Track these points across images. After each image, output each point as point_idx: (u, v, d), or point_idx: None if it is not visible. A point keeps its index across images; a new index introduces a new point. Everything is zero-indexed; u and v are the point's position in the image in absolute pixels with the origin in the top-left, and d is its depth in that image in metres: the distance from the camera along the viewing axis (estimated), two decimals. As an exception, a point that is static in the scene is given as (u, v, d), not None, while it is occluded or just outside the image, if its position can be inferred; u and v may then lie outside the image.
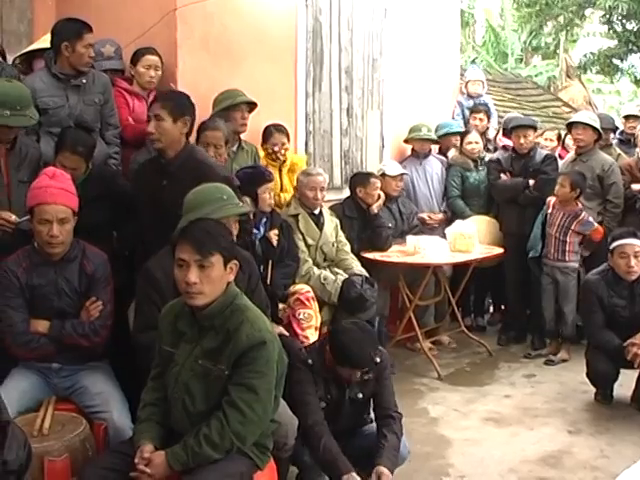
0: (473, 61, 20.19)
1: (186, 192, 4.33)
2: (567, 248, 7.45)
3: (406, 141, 8.57)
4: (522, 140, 7.92)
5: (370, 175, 7.44)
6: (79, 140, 5.04)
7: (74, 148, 4.99)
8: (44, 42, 5.99)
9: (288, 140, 6.83)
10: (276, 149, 6.69)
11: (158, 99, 4.99)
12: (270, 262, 5.85)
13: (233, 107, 6.23)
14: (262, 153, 6.71)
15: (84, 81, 5.57)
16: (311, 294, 6.02)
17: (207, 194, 4.34)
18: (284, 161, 6.81)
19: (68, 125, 5.24)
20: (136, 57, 6.22)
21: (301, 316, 5.84)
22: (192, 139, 5.63)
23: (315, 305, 5.99)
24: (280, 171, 6.80)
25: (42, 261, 4.34)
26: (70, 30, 5.47)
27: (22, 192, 4.71)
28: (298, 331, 5.78)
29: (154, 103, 4.94)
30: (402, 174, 7.84)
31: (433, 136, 8.53)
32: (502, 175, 8.09)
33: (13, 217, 4.75)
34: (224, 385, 3.50)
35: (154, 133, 4.80)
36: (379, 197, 7.29)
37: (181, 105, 4.89)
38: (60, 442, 3.84)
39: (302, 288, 6.04)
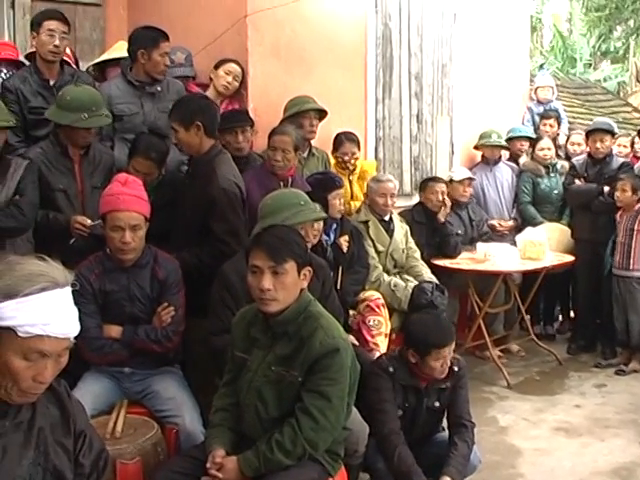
0: (541, 66, 19.92)
1: (195, 195, 4.51)
2: (632, 254, 7.30)
3: (476, 147, 8.51)
4: (598, 145, 7.78)
5: (430, 179, 7.44)
6: (152, 146, 5.12)
7: (147, 153, 5.07)
8: (117, 51, 6.09)
9: (359, 149, 6.83)
10: (346, 158, 6.70)
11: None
12: (340, 268, 5.84)
13: (302, 114, 6.26)
14: (333, 161, 6.72)
15: (159, 89, 5.65)
16: (381, 301, 5.98)
17: (284, 199, 4.37)
18: (354, 170, 6.82)
19: (142, 131, 5.31)
20: (220, 62, 6.33)
21: (371, 323, 5.81)
22: (261, 143, 5.71)
23: (385, 312, 5.95)
24: (350, 179, 6.80)
25: (114, 267, 4.37)
26: (147, 38, 5.55)
27: (95, 198, 4.77)
28: (368, 338, 5.75)
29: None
30: (469, 179, 7.78)
31: (503, 142, 8.46)
32: (576, 180, 7.97)
33: (88, 222, 4.82)
34: (297, 392, 3.48)
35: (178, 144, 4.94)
36: (444, 204, 7.23)
37: (188, 112, 4.91)
38: (132, 445, 3.85)
39: (372, 295, 6.00)
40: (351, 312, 5.81)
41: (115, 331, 4.33)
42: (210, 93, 6.30)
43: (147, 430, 4.02)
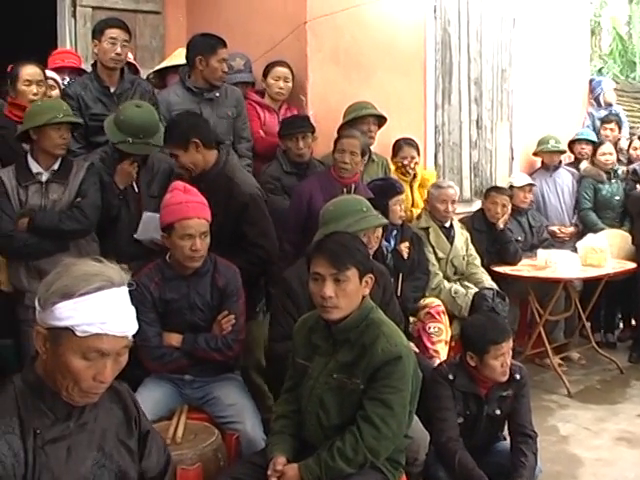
0: (599, 70, 19.71)
1: (215, 207, 4.45)
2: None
3: (535, 154, 8.42)
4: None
5: (494, 189, 7.36)
6: None
7: None
8: (177, 58, 6.14)
9: (418, 154, 6.81)
10: (405, 162, 6.68)
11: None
12: (401, 275, 5.81)
13: (360, 119, 6.26)
14: (392, 167, 6.71)
15: (217, 95, 5.71)
16: (442, 308, 5.94)
17: (347, 206, 4.37)
18: (414, 176, 6.81)
19: None
20: (267, 70, 6.35)
21: (431, 330, 5.77)
22: (321, 149, 5.69)
23: (445, 319, 5.91)
24: (411, 186, 6.80)
25: (175, 275, 4.37)
26: (205, 45, 5.61)
27: (152, 207, 4.83)
28: (428, 345, 5.72)
29: None
30: (530, 185, 7.70)
31: (561, 147, 8.37)
32: (638, 186, 7.85)
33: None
34: (358, 399, 3.45)
35: (182, 169, 4.96)
36: (503, 212, 7.17)
37: (181, 133, 4.89)
38: (193, 451, 3.85)
39: (433, 302, 5.97)
40: (411, 319, 5.79)
41: (175, 339, 4.33)
42: (267, 100, 6.35)
43: (208, 436, 4.01)
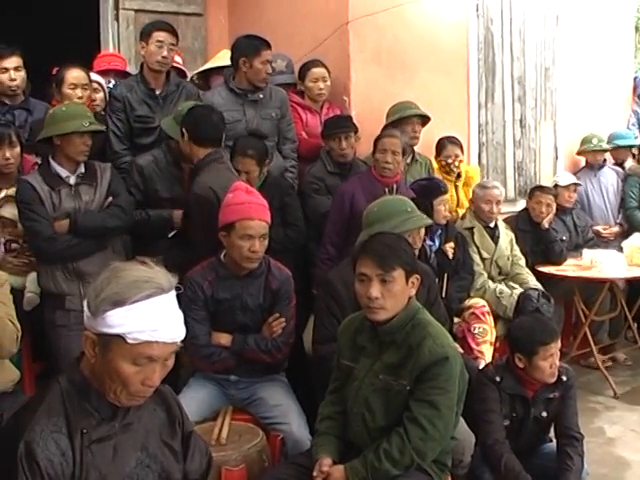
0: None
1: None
2: None
3: (579, 153, 8.34)
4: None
5: (538, 188, 7.30)
6: (249, 144, 5.18)
7: (244, 151, 5.13)
8: (221, 60, 6.17)
9: (462, 152, 6.78)
10: (449, 161, 6.66)
11: None
12: (445, 275, 5.79)
13: (405, 120, 6.23)
14: (436, 166, 6.69)
15: (261, 96, 5.72)
16: (486, 309, 5.90)
17: (392, 207, 4.37)
18: (459, 175, 6.78)
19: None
20: (302, 72, 6.35)
21: (476, 331, 5.73)
22: (364, 150, 5.69)
23: (490, 320, 5.87)
24: (456, 186, 6.78)
25: (228, 275, 4.38)
26: (248, 46, 5.63)
27: None
28: (473, 346, 5.67)
29: None
30: (574, 184, 7.63)
31: (605, 146, 8.28)
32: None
33: None
34: (405, 400, 3.43)
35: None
36: (548, 212, 7.11)
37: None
38: (237, 452, 3.85)
39: (477, 302, 5.93)
40: (456, 320, 5.75)
41: (225, 339, 4.34)
42: (308, 101, 6.35)
43: (252, 437, 4.02)
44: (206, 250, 4.53)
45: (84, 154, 4.71)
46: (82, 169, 4.75)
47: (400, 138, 5.55)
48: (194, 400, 4.15)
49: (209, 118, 4.99)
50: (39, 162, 5.25)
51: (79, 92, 5.34)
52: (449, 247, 5.89)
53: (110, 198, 4.77)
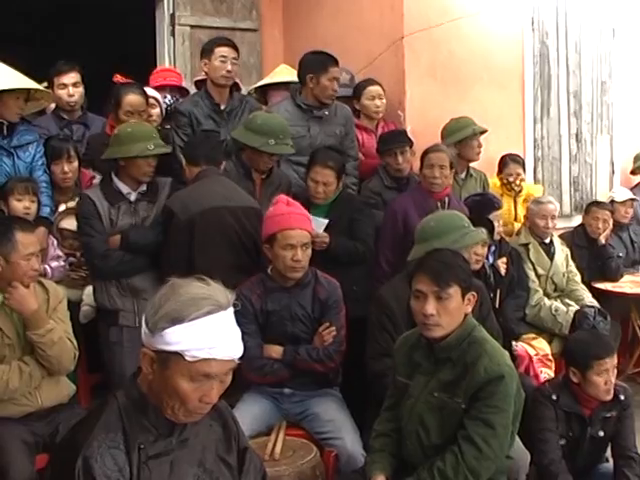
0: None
1: None
2: None
3: (633, 172, 8.21)
4: None
5: (594, 204, 7.22)
6: (330, 155, 5.18)
7: (325, 162, 5.11)
8: (279, 75, 6.20)
9: (524, 170, 6.78)
10: (511, 179, 6.64)
11: None
12: (499, 291, 5.73)
13: (470, 136, 6.20)
14: (497, 182, 6.67)
15: (326, 112, 5.74)
16: (550, 356, 5.78)
17: (449, 222, 4.37)
18: (519, 191, 6.71)
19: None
20: (358, 90, 6.35)
21: (543, 374, 5.60)
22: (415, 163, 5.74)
23: (553, 365, 5.75)
24: (515, 201, 6.74)
25: (276, 287, 4.40)
26: (316, 63, 5.66)
27: None
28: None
29: None
30: (631, 199, 7.53)
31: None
32: None
33: None
34: (460, 419, 3.40)
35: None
36: (605, 227, 7.02)
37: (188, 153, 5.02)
38: (291, 468, 3.84)
39: (543, 348, 5.78)
40: (514, 343, 5.63)
41: (276, 351, 4.36)
42: (363, 120, 6.35)
43: (306, 453, 3.99)
44: (165, 269, 4.57)
45: (148, 175, 4.76)
46: (144, 187, 4.79)
47: (447, 152, 5.53)
48: (248, 415, 4.15)
49: (203, 140, 5.16)
50: (96, 176, 5.30)
51: (135, 119, 5.28)
52: (501, 263, 5.83)
53: None
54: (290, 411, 4.42)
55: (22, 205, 4.83)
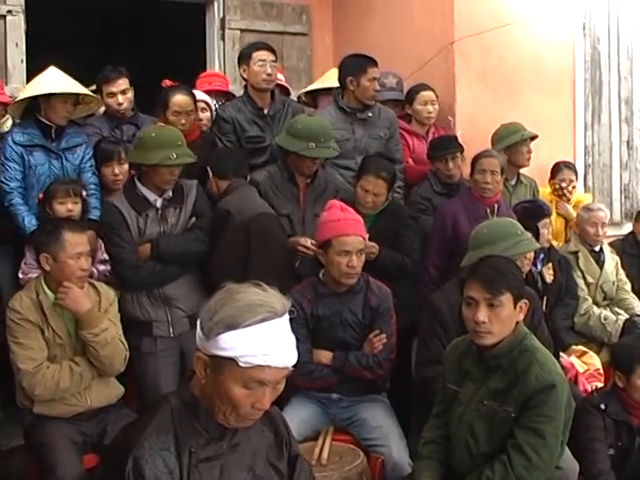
0: None
1: None
2: None
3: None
4: None
5: None
6: (382, 165, 5.12)
7: (378, 172, 5.05)
8: (330, 80, 6.18)
9: (576, 178, 6.73)
10: (564, 185, 6.59)
11: None
12: (545, 298, 5.68)
13: (520, 142, 6.15)
14: (548, 189, 6.62)
15: (370, 115, 5.72)
16: (601, 370, 5.68)
17: (502, 229, 4.36)
18: (570, 198, 6.65)
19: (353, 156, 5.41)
20: (410, 95, 6.33)
21: (593, 387, 5.55)
22: (465, 169, 5.71)
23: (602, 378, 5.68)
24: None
25: (328, 292, 4.41)
26: (355, 65, 5.64)
27: (315, 225, 4.80)
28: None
29: None
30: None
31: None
32: None
33: (309, 242, 4.88)
34: (509, 427, 3.38)
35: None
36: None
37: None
38: (338, 473, 3.84)
39: (593, 362, 5.62)
40: (562, 354, 5.56)
41: (325, 357, 4.37)
42: (415, 125, 6.34)
43: (353, 458, 3.99)
44: (217, 270, 4.60)
45: (170, 183, 4.64)
46: (169, 192, 4.68)
47: (498, 157, 5.51)
48: (296, 419, 4.12)
49: (229, 155, 5.17)
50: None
51: (182, 119, 5.29)
52: (547, 270, 5.78)
53: (193, 219, 4.73)
54: (337, 416, 4.43)
55: (65, 208, 4.77)
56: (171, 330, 4.61)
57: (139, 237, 4.59)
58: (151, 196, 4.64)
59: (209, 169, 5.05)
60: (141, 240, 4.59)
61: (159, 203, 4.65)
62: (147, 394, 4.60)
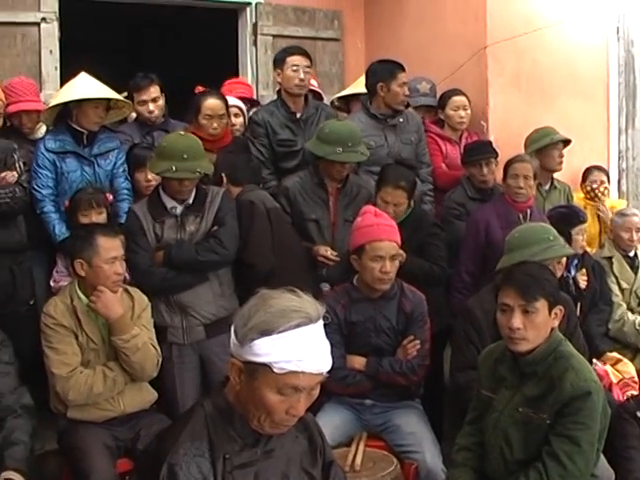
0: None
1: None
2: None
3: None
4: None
5: None
6: (401, 175, 5.08)
7: (396, 182, 5.02)
8: (361, 86, 6.16)
9: (608, 180, 6.69)
10: (595, 186, 6.54)
11: None
12: (579, 304, 5.64)
13: (551, 146, 6.11)
14: (581, 194, 6.57)
15: (401, 120, 5.72)
16: (636, 377, 5.63)
17: (533, 233, 4.35)
18: (603, 201, 6.59)
19: (388, 162, 5.36)
20: (443, 100, 6.33)
21: (627, 396, 5.50)
22: (498, 174, 5.69)
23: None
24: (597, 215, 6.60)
25: (362, 298, 4.41)
26: (384, 71, 5.65)
27: (346, 231, 4.83)
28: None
29: None
30: None
31: None
32: None
33: (329, 252, 4.91)
34: (544, 434, 3.36)
35: None
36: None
37: (217, 168, 4.94)
38: (371, 479, 3.83)
39: (628, 371, 5.59)
40: (595, 362, 5.50)
41: (359, 362, 4.36)
42: (447, 131, 6.33)
43: (386, 465, 3.98)
44: (257, 260, 4.67)
45: (184, 193, 4.59)
46: (190, 199, 4.63)
47: (531, 162, 5.49)
48: (329, 425, 4.10)
49: (246, 165, 5.17)
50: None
51: (214, 123, 5.31)
52: (581, 276, 5.74)
53: (215, 227, 4.67)
54: (371, 422, 4.42)
55: (88, 220, 4.76)
56: (185, 337, 4.58)
57: (156, 243, 4.59)
58: (170, 203, 4.61)
59: (224, 175, 5.04)
60: (158, 246, 4.59)
61: (179, 210, 4.62)
62: (165, 400, 4.58)
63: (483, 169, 5.68)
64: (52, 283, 4.88)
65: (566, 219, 5.52)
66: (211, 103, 5.36)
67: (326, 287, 4.88)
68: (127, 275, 4.61)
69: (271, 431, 2.44)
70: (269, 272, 4.67)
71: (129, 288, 4.34)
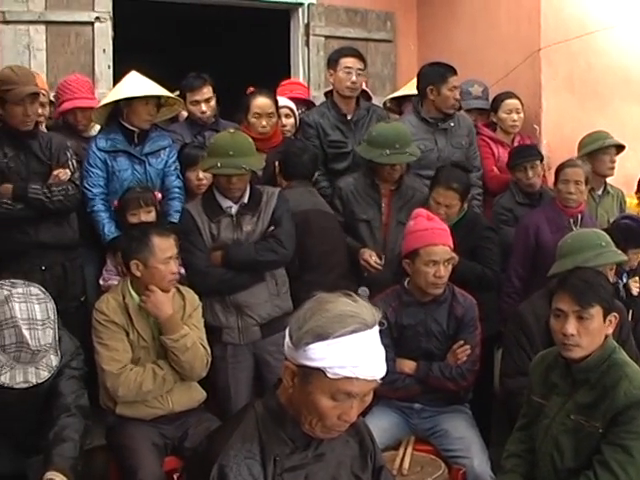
0: None
1: None
2: None
3: None
4: None
5: None
6: (453, 176, 5.04)
7: (448, 184, 4.98)
8: (414, 87, 6.14)
9: (665, 187, 6.56)
10: None
11: None
12: (631, 312, 5.56)
13: (602, 150, 6.03)
14: (635, 200, 6.44)
15: (452, 124, 5.70)
16: None
17: (585, 239, 4.30)
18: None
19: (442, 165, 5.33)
20: (496, 103, 6.30)
21: None
22: (550, 178, 5.64)
23: None
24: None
25: (412, 301, 4.39)
26: (435, 74, 5.62)
27: (398, 233, 4.82)
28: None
29: None
30: None
31: None
32: None
33: (373, 258, 4.94)
34: (596, 443, 3.30)
35: None
36: None
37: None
38: (419, 484, 3.80)
39: None
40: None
41: (408, 366, 4.34)
42: (500, 134, 6.28)
43: (434, 469, 3.97)
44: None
45: (234, 191, 4.57)
46: (245, 198, 4.63)
47: (583, 167, 5.42)
48: (377, 428, 4.00)
49: (300, 157, 5.11)
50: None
51: (263, 121, 5.37)
52: (633, 282, 5.64)
53: (272, 227, 4.66)
54: (419, 426, 4.40)
55: (136, 219, 4.80)
56: (241, 337, 4.58)
57: (212, 243, 4.58)
58: (225, 203, 4.60)
59: (277, 164, 5.11)
60: (214, 245, 4.58)
61: (234, 210, 4.60)
62: (218, 400, 4.60)
63: (528, 172, 5.61)
64: (101, 282, 4.91)
65: (635, 234, 5.33)
66: (260, 102, 5.42)
67: (365, 292, 4.79)
68: (182, 271, 4.62)
69: (322, 435, 2.43)
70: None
71: (181, 287, 4.34)
